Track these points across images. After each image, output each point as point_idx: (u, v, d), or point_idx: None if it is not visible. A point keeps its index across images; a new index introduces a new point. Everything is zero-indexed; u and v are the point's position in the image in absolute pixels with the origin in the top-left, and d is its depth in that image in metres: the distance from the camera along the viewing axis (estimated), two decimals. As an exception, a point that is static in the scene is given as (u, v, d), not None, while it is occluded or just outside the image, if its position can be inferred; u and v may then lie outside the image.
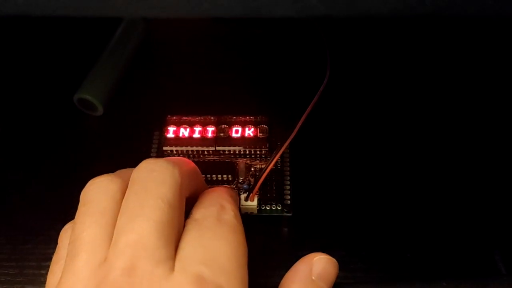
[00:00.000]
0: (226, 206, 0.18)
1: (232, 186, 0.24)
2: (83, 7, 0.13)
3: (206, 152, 0.25)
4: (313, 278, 0.17)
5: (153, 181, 0.16)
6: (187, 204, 0.17)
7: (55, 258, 0.17)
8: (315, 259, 0.18)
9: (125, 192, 0.17)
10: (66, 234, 0.18)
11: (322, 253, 0.18)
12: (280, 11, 0.13)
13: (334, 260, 0.18)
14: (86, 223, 0.16)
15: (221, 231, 0.16)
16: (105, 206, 0.16)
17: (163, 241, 0.15)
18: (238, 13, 0.13)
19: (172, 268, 0.15)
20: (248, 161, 0.25)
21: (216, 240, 0.16)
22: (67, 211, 0.23)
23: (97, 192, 0.17)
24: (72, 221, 0.18)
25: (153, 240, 0.15)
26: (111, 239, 0.16)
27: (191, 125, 0.25)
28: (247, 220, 0.24)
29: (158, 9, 0.13)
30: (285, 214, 0.23)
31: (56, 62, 0.30)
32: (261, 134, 0.25)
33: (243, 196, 0.23)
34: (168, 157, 0.19)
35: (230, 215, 0.17)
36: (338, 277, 0.18)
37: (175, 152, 0.25)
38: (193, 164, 0.19)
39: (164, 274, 0.14)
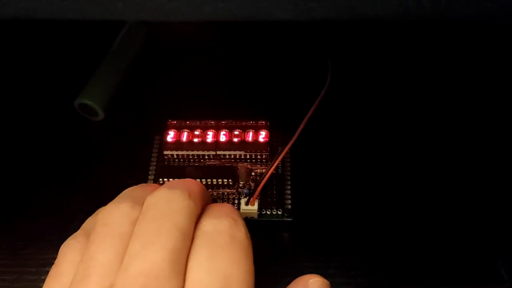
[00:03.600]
0: (238, 220, 0.17)
1: (232, 190, 0.24)
2: (83, 11, 0.13)
3: (206, 157, 0.25)
4: None
5: (170, 210, 0.16)
6: None
7: (53, 272, 0.17)
8: (310, 281, 0.17)
9: None
10: (68, 249, 0.17)
11: (317, 276, 0.17)
12: (280, 15, 0.13)
13: (328, 283, 0.17)
14: (103, 245, 0.16)
15: (234, 254, 0.16)
16: (126, 231, 0.16)
17: (175, 270, 0.15)
18: (239, 16, 0.13)
19: None
20: (248, 166, 0.25)
21: (229, 265, 0.15)
22: (67, 216, 0.24)
23: (119, 217, 0.17)
24: (74, 235, 0.18)
25: (165, 270, 0.14)
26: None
27: (192, 129, 0.25)
28: (248, 224, 0.24)
29: (158, 13, 0.13)
30: (285, 218, 0.23)
31: (57, 66, 0.30)
32: (261, 138, 0.25)
33: (243, 200, 0.23)
34: (181, 182, 0.18)
35: (242, 232, 0.17)
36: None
37: (175, 157, 0.25)
38: (202, 185, 0.19)
39: None
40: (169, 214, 0.16)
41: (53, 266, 0.17)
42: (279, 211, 0.23)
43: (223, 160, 0.25)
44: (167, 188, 0.17)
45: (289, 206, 0.24)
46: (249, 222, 0.23)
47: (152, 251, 0.15)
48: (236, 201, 0.24)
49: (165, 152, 0.25)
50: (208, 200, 0.19)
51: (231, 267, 0.15)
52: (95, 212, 0.19)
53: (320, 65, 0.27)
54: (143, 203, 0.17)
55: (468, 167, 0.25)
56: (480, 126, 0.27)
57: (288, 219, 0.23)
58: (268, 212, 0.23)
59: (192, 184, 0.18)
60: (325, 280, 0.17)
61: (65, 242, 0.18)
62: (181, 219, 0.16)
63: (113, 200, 0.18)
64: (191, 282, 0.15)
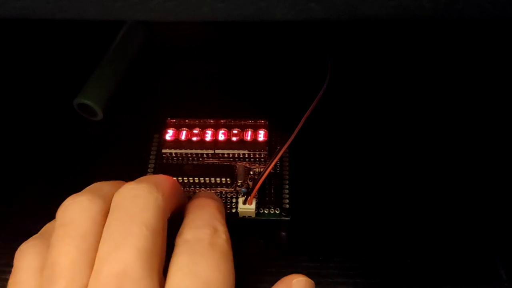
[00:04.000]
0: (218, 228, 0.17)
1: (230, 189, 0.24)
2: (82, 10, 0.13)
3: (205, 155, 0.25)
4: None
5: (137, 207, 0.16)
6: (170, 219, 0.17)
7: (11, 281, 0.16)
8: (293, 281, 0.17)
9: (106, 214, 0.16)
10: (22, 254, 0.17)
11: (301, 275, 0.17)
12: (279, 15, 0.13)
13: (312, 282, 0.17)
14: (65, 247, 0.15)
15: (213, 259, 0.16)
16: (86, 229, 0.16)
17: (148, 270, 0.15)
18: (237, 16, 0.13)
19: None
20: (247, 165, 0.25)
21: (208, 269, 0.15)
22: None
23: (78, 213, 0.16)
24: (28, 241, 0.17)
25: (138, 270, 0.14)
26: (91, 265, 0.15)
27: (191, 128, 0.25)
28: (245, 224, 0.24)
29: (157, 13, 0.13)
30: (283, 218, 0.23)
31: (56, 66, 0.30)
32: (260, 137, 0.25)
33: (241, 199, 0.23)
34: (149, 177, 0.18)
35: (222, 239, 0.17)
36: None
37: (174, 155, 0.25)
38: (173, 180, 0.19)
39: None
40: (136, 212, 0.16)
41: (11, 275, 0.17)
42: (277, 210, 0.23)
43: (221, 159, 0.25)
44: (133, 184, 0.17)
45: (287, 205, 0.24)
46: (247, 221, 0.23)
47: (122, 252, 0.15)
48: (234, 200, 0.24)
49: (164, 151, 0.25)
50: (181, 194, 0.19)
51: (210, 272, 0.15)
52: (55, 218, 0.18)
53: (319, 64, 0.27)
54: (106, 198, 0.17)
55: (467, 166, 0.25)
56: (480, 126, 0.27)
57: (286, 218, 0.23)
58: (266, 211, 0.23)
59: (161, 178, 0.18)
60: (309, 279, 0.17)
61: (18, 249, 0.17)
62: (149, 216, 0.16)
63: (71, 195, 0.17)
64: (171, 284, 0.15)
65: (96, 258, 0.15)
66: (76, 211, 0.16)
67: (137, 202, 0.16)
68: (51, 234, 0.16)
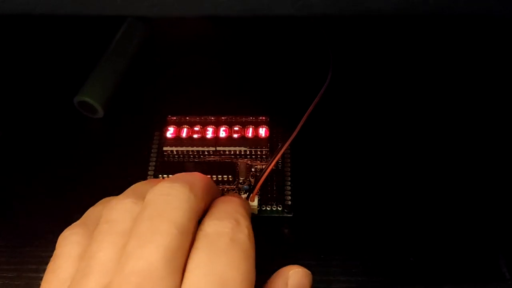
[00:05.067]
0: (241, 222, 0.17)
1: (232, 186, 0.24)
2: (81, 6, 0.13)
3: (206, 153, 0.25)
4: None
5: (168, 206, 0.16)
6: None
7: (51, 266, 0.17)
8: (290, 272, 0.17)
9: None
10: (65, 241, 0.17)
11: (297, 266, 0.17)
12: (280, 10, 0.13)
13: (309, 272, 0.17)
14: (105, 243, 0.16)
15: (234, 257, 0.15)
16: (127, 228, 0.16)
17: (170, 270, 0.14)
18: (238, 12, 0.13)
19: None
20: (248, 162, 0.25)
21: (228, 267, 0.15)
22: (67, 213, 0.23)
23: (122, 213, 0.16)
24: (72, 226, 0.18)
25: (161, 269, 0.14)
26: None
27: (192, 125, 0.25)
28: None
29: (157, 8, 0.13)
30: (285, 214, 0.23)
31: (56, 64, 0.30)
32: (261, 134, 0.24)
33: (243, 196, 0.23)
34: (184, 175, 0.18)
35: (244, 234, 0.16)
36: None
37: (175, 153, 0.25)
38: (208, 179, 0.19)
39: None
40: (167, 210, 0.16)
41: (51, 259, 0.17)
42: (279, 207, 0.23)
43: (223, 156, 0.25)
44: (167, 182, 0.17)
45: (289, 202, 0.24)
46: (250, 219, 0.23)
47: (147, 250, 0.14)
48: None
49: (165, 148, 0.25)
50: (215, 193, 0.19)
51: (229, 271, 0.15)
52: (97, 203, 0.18)
53: (321, 60, 0.27)
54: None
55: (470, 164, 0.25)
56: (482, 123, 0.27)
57: (288, 215, 0.23)
58: (268, 208, 0.23)
59: (195, 177, 0.18)
60: (306, 270, 0.17)
61: (62, 234, 0.17)
62: (179, 215, 0.16)
63: (117, 196, 0.18)
64: (188, 284, 0.15)
65: (123, 253, 0.15)
66: (120, 211, 0.16)
67: (168, 200, 0.16)
68: (93, 225, 0.17)
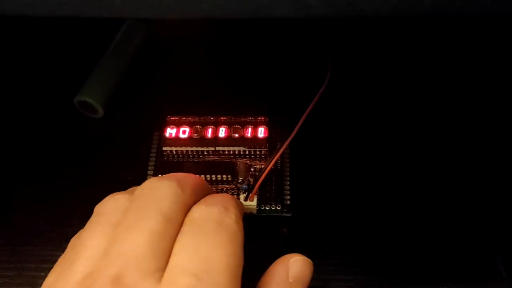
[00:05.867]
0: (229, 208, 0.17)
1: (231, 186, 0.24)
2: (82, 8, 0.13)
3: (205, 153, 0.25)
4: (290, 280, 0.17)
5: (154, 197, 0.16)
6: None
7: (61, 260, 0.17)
8: (291, 260, 0.17)
9: None
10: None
11: (298, 254, 0.18)
12: (279, 12, 0.13)
13: (310, 261, 0.17)
14: (95, 232, 0.16)
15: (220, 239, 0.15)
16: (116, 219, 0.16)
17: (154, 253, 0.15)
18: (237, 14, 0.13)
19: (160, 279, 0.14)
20: (247, 161, 0.25)
21: (213, 249, 0.15)
22: (67, 213, 0.24)
23: (114, 206, 0.17)
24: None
25: (145, 251, 0.14)
26: None
27: (191, 125, 0.25)
28: (246, 220, 0.24)
29: (157, 10, 0.13)
30: (284, 214, 0.23)
31: (57, 64, 0.30)
32: (260, 134, 0.25)
33: (242, 196, 0.23)
34: (173, 174, 0.18)
35: (231, 218, 0.16)
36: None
37: (174, 153, 0.25)
38: (197, 177, 0.19)
39: (150, 286, 0.14)
40: (153, 200, 0.16)
41: (62, 255, 0.17)
42: (278, 206, 0.23)
43: (222, 156, 0.25)
44: (156, 178, 0.17)
45: (288, 202, 0.24)
46: (248, 218, 0.23)
47: (132, 235, 0.15)
48: (235, 197, 0.24)
49: (164, 148, 0.25)
50: (207, 193, 0.19)
51: (214, 251, 0.15)
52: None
53: (320, 61, 0.27)
54: None
55: (468, 164, 0.25)
56: (481, 124, 0.27)
57: (287, 215, 0.23)
58: (267, 208, 0.23)
59: (185, 175, 0.18)
60: (306, 258, 0.17)
61: (75, 236, 0.18)
62: (165, 204, 0.16)
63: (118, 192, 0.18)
64: (172, 264, 0.15)
65: (109, 240, 0.15)
66: (112, 206, 0.17)
67: (155, 193, 0.16)
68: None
